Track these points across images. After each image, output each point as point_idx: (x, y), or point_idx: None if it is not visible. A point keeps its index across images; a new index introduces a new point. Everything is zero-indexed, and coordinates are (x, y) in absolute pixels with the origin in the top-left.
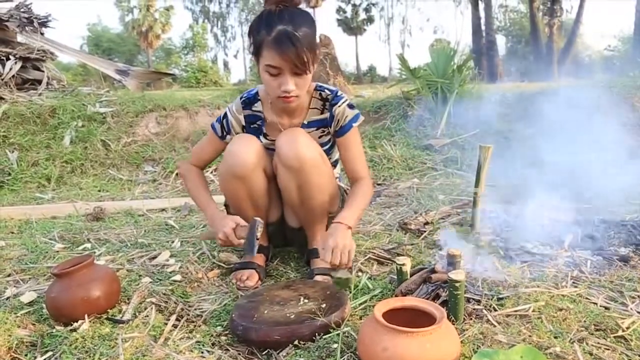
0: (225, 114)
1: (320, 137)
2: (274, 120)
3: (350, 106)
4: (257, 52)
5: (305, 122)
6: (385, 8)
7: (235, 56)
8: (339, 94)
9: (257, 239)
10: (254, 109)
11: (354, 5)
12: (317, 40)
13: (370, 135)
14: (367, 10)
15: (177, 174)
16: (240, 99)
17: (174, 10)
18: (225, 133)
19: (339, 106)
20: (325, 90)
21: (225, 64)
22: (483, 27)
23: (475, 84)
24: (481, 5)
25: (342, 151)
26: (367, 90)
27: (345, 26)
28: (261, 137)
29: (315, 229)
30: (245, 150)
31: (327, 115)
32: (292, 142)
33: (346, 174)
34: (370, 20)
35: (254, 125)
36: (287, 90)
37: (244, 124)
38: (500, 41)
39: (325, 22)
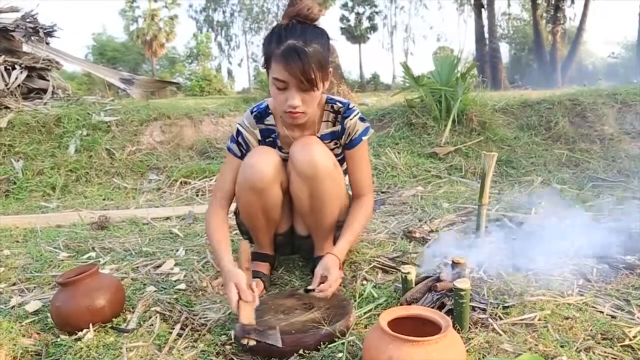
0: (238, 131)
1: (332, 149)
2: (286, 133)
3: (362, 119)
4: (266, 65)
5: (318, 135)
6: (389, 16)
7: (239, 65)
8: (350, 106)
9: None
10: (266, 122)
11: (357, 14)
12: (329, 57)
13: (374, 144)
14: (370, 18)
15: (181, 183)
16: (252, 113)
17: (178, 20)
18: (244, 151)
19: (351, 119)
20: (337, 103)
21: (229, 73)
22: (486, 35)
23: (479, 91)
24: (484, 13)
25: (350, 164)
26: (370, 98)
27: (348, 34)
28: (276, 150)
29: (324, 237)
30: (265, 162)
31: (338, 128)
32: (307, 150)
33: (350, 186)
34: (373, 28)
35: (268, 139)
36: (292, 105)
37: (259, 138)
38: (504, 49)
39: (329, 30)
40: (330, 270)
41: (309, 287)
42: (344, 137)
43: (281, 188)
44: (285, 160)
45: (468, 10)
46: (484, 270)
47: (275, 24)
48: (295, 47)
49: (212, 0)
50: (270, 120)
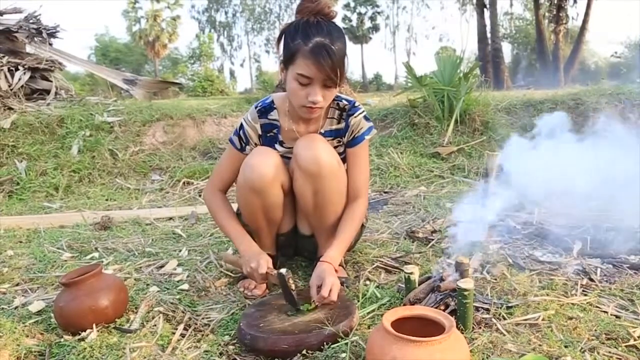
0: (241, 125)
1: (335, 147)
2: (290, 128)
3: (366, 118)
4: (289, 60)
5: (322, 131)
6: (391, 16)
7: (242, 65)
8: (356, 104)
9: (293, 291)
10: (269, 117)
11: (360, 14)
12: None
13: (377, 144)
14: (372, 18)
15: (184, 183)
16: (255, 108)
17: (180, 20)
18: (244, 144)
19: (355, 117)
20: (343, 101)
21: (232, 73)
22: (489, 35)
23: (482, 91)
24: (486, 13)
25: (349, 162)
26: (373, 98)
27: (350, 34)
28: (277, 145)
29: (327, 236)
30: (264, 163)
31: (342, 125)
32: (311, 147)
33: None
34: (375, 28)
35: (270, 134)
36: (314, 101)
37: (260, 132)
38: (506, 49)
39: None
40: (325, 279)
41: (311, 302)
42: (347, 134)
43: (283, 189)
44: (285, 158)
45: (470, 10)
46: (488, 270)
47: (277, 23)
48: (324, 44)
49: (215, 0)
50: (274, 115)
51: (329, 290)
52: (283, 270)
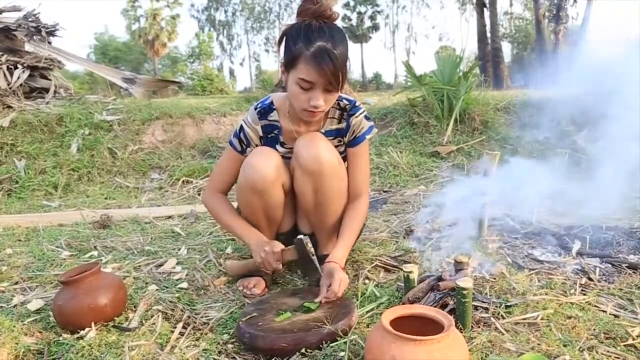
0: (242, 127)
1: (336, 146)
2: (290, 128)
3: (367, 118)
4: (290, 64)
5: (323, 130)
6: (391, 16)
7: (241, 64)
8: (357, 104)
9: (314, 255)
10: (270, 118)
11: (359, 13)
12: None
13: (377, 143)
14: (372, 18)
15: (183, 182)
16: (255, 109)
17: (180, 19)
18: (244, 146)
19: (357, 117)
20: (344, 100)
21: (231, 72)
22: (488, 34)
23: (481, 90)
24: (486, 13)
25: (350, 161)
26: (372, 97)
27: (350, 34)
28: (278, 146)
29: (328, 234)
30: (266, 164)
31: (343, 125)
32: (312, 146)
33: (348, 184)
34: (375, 27)
35: (271, 135)
36: (316, 106)
37: (261, 134)
38: (506, 48)
39: None
40: (334, 274)
41: (316, 300)
42: (348, 134)
43: (283, 189)
44: (286, 158)
45: (470, 9)
46: (487, 269)
47: (276, 22)
48: (326, 49)
49: None
50: (274, 116)
51: (337, 285)
52: (301, 237)
